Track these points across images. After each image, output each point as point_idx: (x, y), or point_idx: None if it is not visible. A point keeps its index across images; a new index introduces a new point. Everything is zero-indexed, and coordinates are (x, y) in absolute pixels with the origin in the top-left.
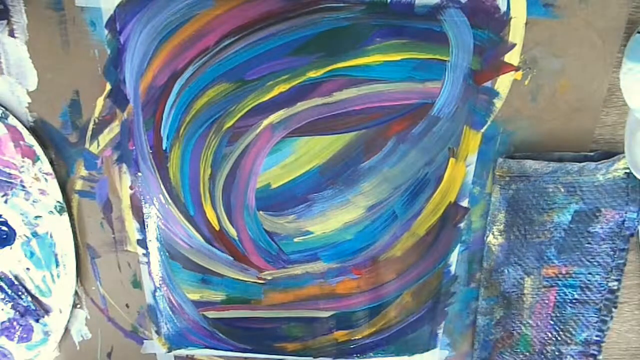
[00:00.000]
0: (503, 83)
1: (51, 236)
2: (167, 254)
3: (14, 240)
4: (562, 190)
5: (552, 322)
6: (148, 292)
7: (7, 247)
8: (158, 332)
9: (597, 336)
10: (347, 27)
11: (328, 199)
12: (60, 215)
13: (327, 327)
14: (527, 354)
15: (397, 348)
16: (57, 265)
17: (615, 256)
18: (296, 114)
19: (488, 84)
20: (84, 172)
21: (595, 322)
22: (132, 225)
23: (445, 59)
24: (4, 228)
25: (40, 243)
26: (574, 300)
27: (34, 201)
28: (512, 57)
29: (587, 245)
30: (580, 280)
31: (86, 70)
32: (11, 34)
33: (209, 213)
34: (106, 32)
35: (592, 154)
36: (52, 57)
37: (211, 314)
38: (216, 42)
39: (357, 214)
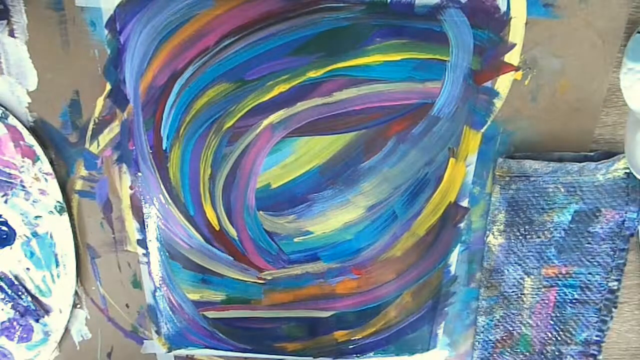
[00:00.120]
0: (503, 83)
1: (51, 236)
2: (167, 254)
3: (14, 240)
4: (562, 190)
5: (552, 322)
6: (148, 292)
7: (7, 247)
8: (158, 332)
9: (597, 336)
10: (347, 27)
11: (328, 199)
12: (60, 215)
13: (327, 327)
14: (527, 354)
15: (397, 348)
16: (57, 265)
17: (615, 256)
18: (296, 114)
19: (488, 84)
20: (84, 172)
21: (595, 322)
22: (132, 225)
23: (445, 59)
24: (4, 228)
25: (40, 243)
26: (574, 300)
27: (34, 201)
28: (512, 57)
29: (587, 245)
30: (580, 280)
31: (86, 70)
32: (11, 34)
33: (209, 213)
34: (106, 32)
35: (592, 154)
36: (52, 57)
37: (211, 314)
38: (216, 42)
39: (357, 214)
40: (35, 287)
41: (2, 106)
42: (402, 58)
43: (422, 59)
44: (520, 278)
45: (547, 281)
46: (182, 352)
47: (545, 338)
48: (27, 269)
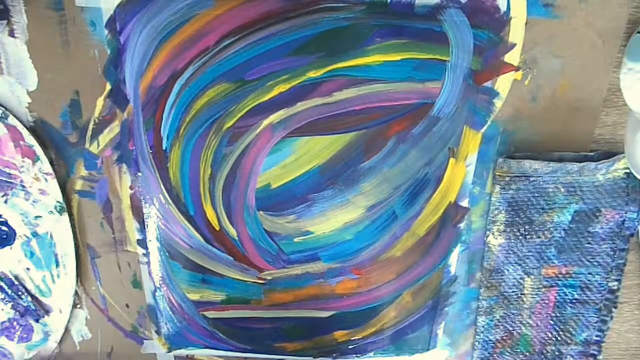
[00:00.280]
0: (503, 83)
1: (51, 236)
2: (167, 254)
3: (14, 240)
4: (562, 190)
5: (552, 322)
6: (148, 292)
7: (7, 247)
8: (158, 332)
9: (597, 336)
10: (347, 27)
11: (328, 199)
12: (60, 215)
13: (327, 327)
14: (527, 354)
15: (397, 348)
16: (57, 265)
17: (615, 256)
18: (296, 114)
19: (488, 84)
20: (84, 172)
21: (595, 322)
22: (132, 225)
23: (445, 59)
24: (4, 228)
25: (40, 243)
26: (574, 300)
27: (34, 201)
28: (512, 57)
29: (587, 245)
30: (580, 280)
31: (86, 70)
32: (11, 34)
33: (209, 213)
34: (106, 32)
35: (592, 154)
36: (52, 57)
37: (211, 314)
38: (216, 42)
39: (357, 214)
40: (35, 287)
41: (2, 106)
42: (402, 58)
43: (422, 59)
44: (520, 278)
45: (547, 281)
46: (182, 352)
47: (545, 338)
48: (27, 269)
